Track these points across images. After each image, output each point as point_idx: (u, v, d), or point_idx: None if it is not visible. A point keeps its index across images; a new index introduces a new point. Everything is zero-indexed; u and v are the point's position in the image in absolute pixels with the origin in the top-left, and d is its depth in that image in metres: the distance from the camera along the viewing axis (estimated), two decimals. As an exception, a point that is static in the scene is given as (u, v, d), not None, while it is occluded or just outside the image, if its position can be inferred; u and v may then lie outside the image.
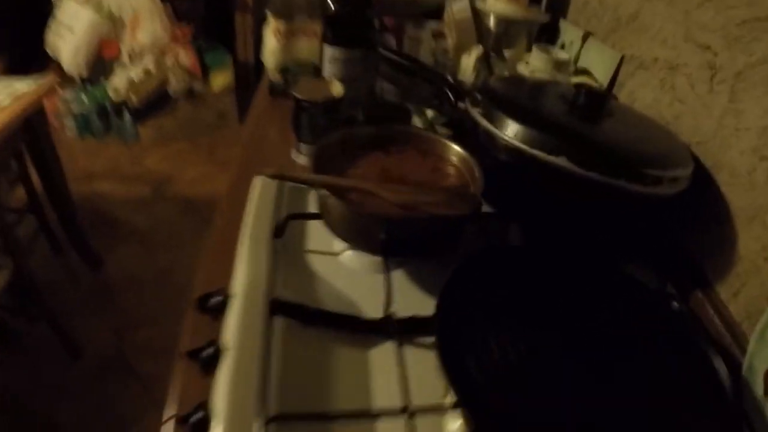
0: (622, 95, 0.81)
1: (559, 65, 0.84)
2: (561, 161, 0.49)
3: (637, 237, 0.58)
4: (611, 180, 0.49)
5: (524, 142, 0.51)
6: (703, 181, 0.59)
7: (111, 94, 2.12)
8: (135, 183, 2.09)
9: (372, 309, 0.52)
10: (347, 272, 0.56)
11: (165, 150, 2.26)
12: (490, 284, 0.49)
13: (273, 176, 0.50)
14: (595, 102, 0.59)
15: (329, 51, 0.78)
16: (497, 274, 0.50)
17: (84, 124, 2.23)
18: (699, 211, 0.60)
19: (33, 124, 1.31)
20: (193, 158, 2.24)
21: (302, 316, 0.49)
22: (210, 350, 0.46)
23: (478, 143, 0.59)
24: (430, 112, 0.82)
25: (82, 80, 2.18)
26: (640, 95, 0.77)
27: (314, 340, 0.49)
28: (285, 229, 0.58)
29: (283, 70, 0.90)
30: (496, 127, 0.53)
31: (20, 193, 1.48)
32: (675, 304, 0.54)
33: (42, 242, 1.62)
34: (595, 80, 0.82)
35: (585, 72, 0.86)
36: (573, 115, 0.58)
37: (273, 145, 0.82)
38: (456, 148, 0.58)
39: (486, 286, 0.49)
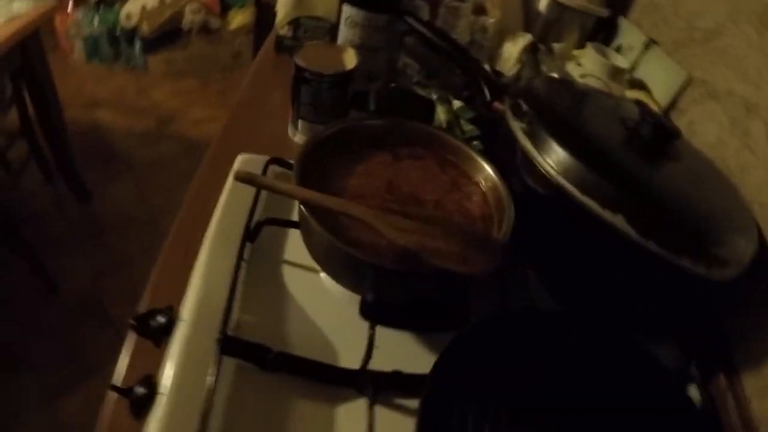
0: (681, 123, 0.66)
1: (614, 73, 0.68)
2: (617, 221, 0.35)
3: (669, 309, 0.45)
4: (671, 256, 0.36)
5: (576, 183, 0.37)
6: (758, 253, 0.46)
7: (123, 19, 1.93)
8: (138, 116, 1.93)
9: (349, 351, 0.40)
10: (326, 296, 0.44)
11: (173, 85, 2.09)
12: (493, 357, 0.38)
13: (241, 179, 0.37)
14: (662, 138, 0.45)
15: (348, 11, 0.62)
16: (503, 345, 0.38)
17: (93, 48, 2.05)
18: (744, 289, 0.48)
19: (27, 46, 1.16)
20: (202, 98, 2.07)
21: (260, 359, 0.37)
22: (141, 390, 0.35)
23: (512, 163, 0.45)
24: (457, 102, 0.67)
25: (96, 2, 1.98)
26: (701, 129, 0.62)
27: (271, 389, 0.38)
28: (260, 232, 0.46)
29: (294, 23, 0.75)
30: (542, 154, 0.40)
31: (14, 116, 1.34)
32: (695, 395, 0.43)
33: (33, 170, 1.49)
34: (652, 98, 0.67)
35: (642, 86, 0.71)
36: (633, 149, 0.44)
37: (270, 113, 0.68)
38: (486, 167, 0.45)
39: (489, 360, 0.37)
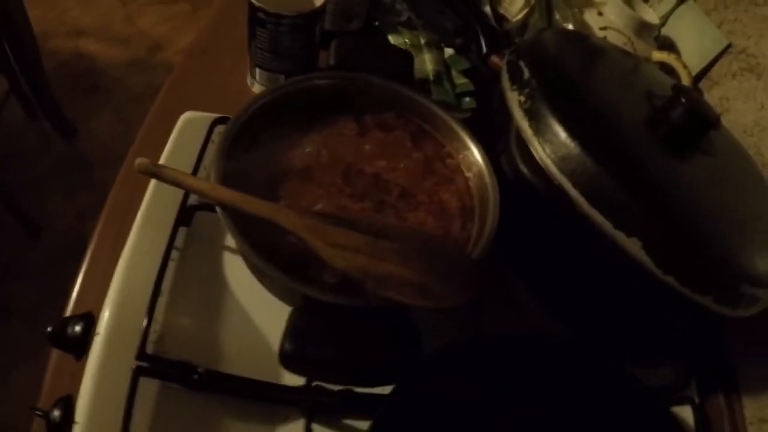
0: (712, 97, 0.54)
1: (641, 28, 0.55)
2: (633, 247, 0.26)
3: (673, 332, 0.37)
4: (693, 295, 0.27)
5: (583, 187, 0.27)
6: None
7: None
8: (124, 45, 1.74)
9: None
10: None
11: (162, 10, 1.87)
12: (461, 383, 0.30)
13: (144, 172, 0.26)
14: (697, 128, 0.34)
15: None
16: (473, 370, 0.30)
17: (76, -34, 1.80)
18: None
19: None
20: (193, 23, 1.86)
21: (184, 378, 0.29)
22: (57, 415, 0.29)
23: (507, 137, 0.35)
24: (448, 50, 0.54)
25: None
26: (736, 108, 0.50)
27: (200, 410, 0.30)
28: (195, 214, 0.36)
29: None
30: (542, 142, 0.29)
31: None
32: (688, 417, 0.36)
33: (15, 105, 1.35)
34: (682, 63, 0.54)
35: (671, 47, 0.58)
36: (658, 137, 0.33)
37: (232, 57, 0.54)
38: (472, 146, 0.34)
39: (455, 386, 0.29)
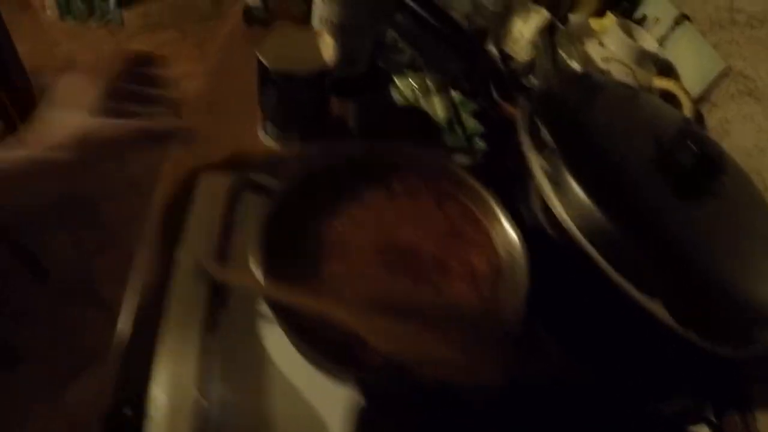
0: (712, 119, 0.56)
1: (641, 57, 0.56)
2: (656, 307, 0.27)
3: (693, 372, 0.39)
4: (713, 346, 0.28)
5: (608, 255, 0.28)
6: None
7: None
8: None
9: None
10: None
11: (150, 39, 1.88)
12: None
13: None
14: (707, 174, 0.35)
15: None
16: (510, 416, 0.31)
17: (65, 4, 1.81)
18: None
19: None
20: (180, 51, 1.87)
21: None
22: None
23: (523, 188, 0.36)
24: (456, 95, 0.55)
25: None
26: (736, 131, 0.52)
27: None
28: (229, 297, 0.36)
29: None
30: (567, 209, 0.30)
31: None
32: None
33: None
34: (683, 89, 0.56)
35: (670, 70, 0.59)
36: (669, 186, 0.35)
37: (237, 104, 0.55)
38: (497, 209, 0.35)
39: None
